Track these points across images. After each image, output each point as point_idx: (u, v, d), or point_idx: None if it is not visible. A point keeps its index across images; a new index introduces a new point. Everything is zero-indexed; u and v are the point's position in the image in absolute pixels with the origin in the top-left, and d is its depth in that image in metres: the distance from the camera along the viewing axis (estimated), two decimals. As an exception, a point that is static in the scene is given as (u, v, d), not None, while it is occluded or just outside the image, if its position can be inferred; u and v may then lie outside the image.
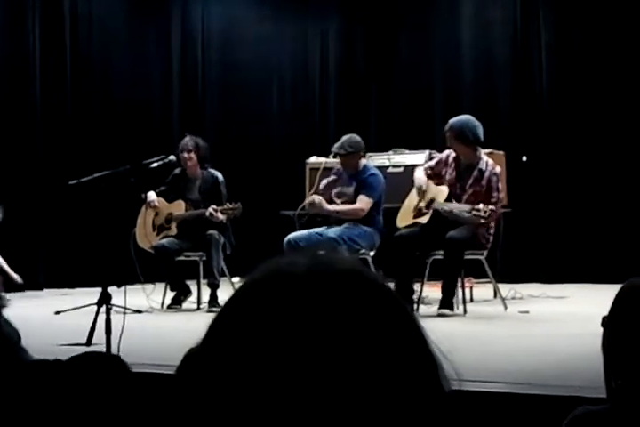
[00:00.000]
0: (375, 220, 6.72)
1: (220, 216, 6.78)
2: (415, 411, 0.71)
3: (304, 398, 0.69)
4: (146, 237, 7.11)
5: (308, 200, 6.82)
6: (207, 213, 6.78)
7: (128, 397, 1.45)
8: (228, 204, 6.86)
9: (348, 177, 6.83)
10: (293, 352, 0.70)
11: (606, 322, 1.65)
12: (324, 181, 7.02)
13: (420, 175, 6.53)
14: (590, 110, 8.58)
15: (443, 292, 6.16)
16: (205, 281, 6.91)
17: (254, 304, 0.73)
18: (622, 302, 1.64)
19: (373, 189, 6.69)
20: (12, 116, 8.50)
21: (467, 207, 6.04)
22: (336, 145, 6.80)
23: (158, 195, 7.18)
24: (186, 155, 7.04)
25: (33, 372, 1.44)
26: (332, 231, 6.58)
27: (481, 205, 5.92)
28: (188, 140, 7.11)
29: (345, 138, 6.81)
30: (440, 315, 6.01)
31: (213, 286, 6.78)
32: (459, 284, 6.28)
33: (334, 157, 6.96)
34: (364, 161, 6.89)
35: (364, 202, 6.67)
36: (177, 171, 7.15)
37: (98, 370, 1.45)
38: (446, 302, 6.11)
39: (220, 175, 7.14)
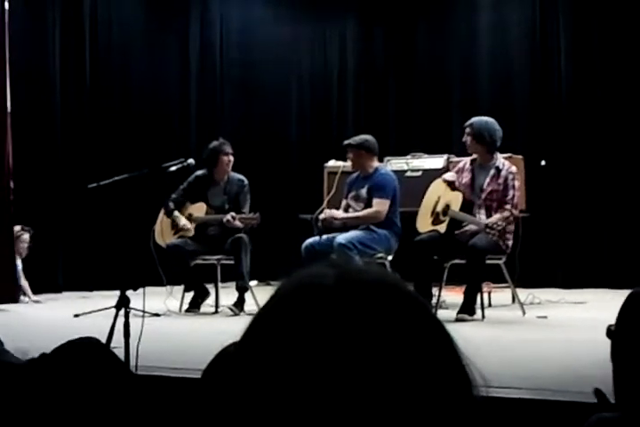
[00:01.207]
0: (391, 222, 6.71)
1: (238, 223, 6.78)
2: (448, 419, 0.71)
3: (340, 406, 0.69)
4: (163, 234, 7.13)
5: (321, 216, 6.81)
6: (225, 220, 6.79)
7: (116, 379, 1.46)
8: (247, 213, 6.84)
9: (360, 179, 6.85)
10: (325, 364, 0.70)
11: (612, 332, 1.65)
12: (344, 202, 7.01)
13: (450, 173, 6.62)
14: (609, 114, 8.54)
15: (465, 297, 6.17)
16: (225, 284, 6.92)
17: (284, 318, 0.73)
18: (628, 311, 1.63)
19: (384, 189, 6.69)
20: (32, 119, 8.54)
21: (481, 224, 6.05)
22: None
23: (177, 200, 7.17)
24: (229, 158, 7.09)
25: (21, 373, 1.45)
26: (342, 237, 6.52)
27: (493, 222, 5.95)
28: (226, 143, 7.14)
29: (360, 135, 6.92)
30: (459, 319, 6.00)
31: (243, 290, 6.78)
32: (481, 288, 6.29)
33: (345, 150, 6.95)
34: (376, 164, 6.90)
35: (378, 204, 6.67)
36: (200, 173, 7.16)
37: (82, 357, 1.46)
38: (466, 308, 6.11)
39: (246, 180, 7.17)
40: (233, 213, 6.81)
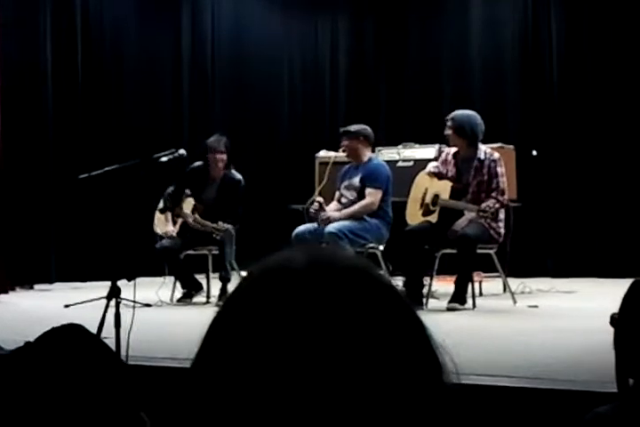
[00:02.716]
0: (383, 212, 6.71)
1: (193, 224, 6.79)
2: (417, 406, 0.71)
3: (308, 394, 0.68)
4: (159, 221, 7.14)
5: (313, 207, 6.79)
6: (190, 221, 6.80)
7: (100, 365, 1.46)
8: (240, 213, 6.79)
9: (354, 169, 6.84)
10: (294, 349, 0.69)
11: (616, 320, 1.65)
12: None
13: (433, 163, 6.60)
14: (601, 104, 8.55)
15: (456, 286, 6.18)
16: (216, 275, 6.93)
17: (254, 301, 0.72)
18: (631, 300, 1.63)
19: (377, 178, 6.69)
20: (24, 111, 8.50)
21: (473, 208, 6.05)
22: None
23: (174, 195, 7.16)
24: (218, 156, 6.98)
25: (7, 363, 1.45)
26: (332, 226, 6.51)
27: (486, 204, 5.96)
28: (219, 141, 7.03)
29: (357, 124, 6.93)
30: (450, 309, 6.01)
31: (225, 280, 6.79)
32: (472, 278, 6.30)
33: (341, 137, 6.93)
34: (369, 153, 6.89)
35: (372, 194, 6.67)
36: (196, 165, 7.12)
37: (66, 343, 1.46)
38: (457, 297, 6.12)
39: (242, 179, 7.08)
40: (197, 217, 6.81)
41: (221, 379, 0.71)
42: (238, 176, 7.10)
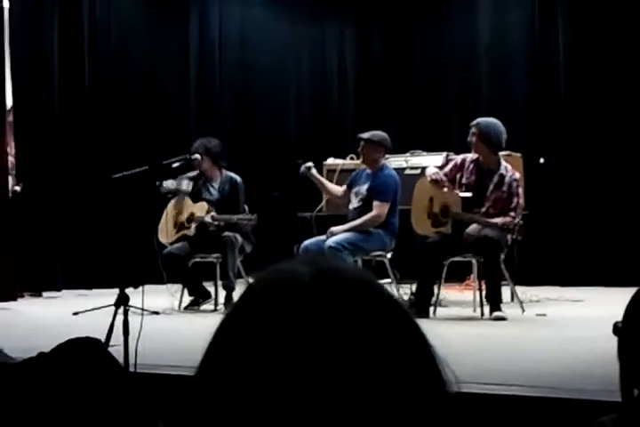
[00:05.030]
0: (387, 221, 6.66)
1: (209, 220, 6.85)
2: (422, 416, 0.72)
3: (314, 405, 0.69)
4: (166, 232, 7.14)
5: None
6: (206, 221, 6.81)
7: (113, 381, 1.46)
8: (245, 211, 6.82)
9: (365, 175, 6.81)
10: (300, 361, 0.69)
11: (619, 329, 1.64)
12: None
13: (432, 170, 6.46)
14: (608, 111, 8.54)
15: (488, 294, 6.12)
16: (221, 283, 6.94)
17: (260, 313, 0.73)
18: (635, 309, 1.63)
19: (385, 192, 6.65)
20: (32, 118, 8.53)
21: (491, 223, 6.00)
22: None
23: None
24: (194, 157, 7.11)
25: (18, 372, 1.45)
26: (331, 240, 6.49)
27: (505, 220, 5.94)
28: (197, 145, 7.15)
29: (374, 131, 6.87)
30: (497, 319, 5.94)
31: (229, 289, 6.80)
32: (480, 286, 6.29)
33: (356, 144, 6.89)
34: (383, 161, 6.86)
35: (378, 207, 6.63)
36: (193, 173, 7.20)
37: (81, 356, 1.47)
38: (495, 305, 6.03)
39: (238, 179, 7.17)
40: (215, 215, 6.82)
41: (226, 388, 0.71)
42: (235, 177, 7.19)
